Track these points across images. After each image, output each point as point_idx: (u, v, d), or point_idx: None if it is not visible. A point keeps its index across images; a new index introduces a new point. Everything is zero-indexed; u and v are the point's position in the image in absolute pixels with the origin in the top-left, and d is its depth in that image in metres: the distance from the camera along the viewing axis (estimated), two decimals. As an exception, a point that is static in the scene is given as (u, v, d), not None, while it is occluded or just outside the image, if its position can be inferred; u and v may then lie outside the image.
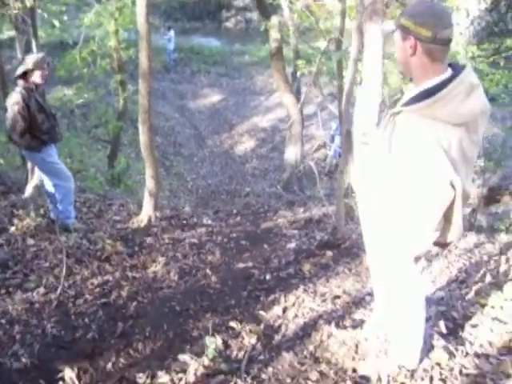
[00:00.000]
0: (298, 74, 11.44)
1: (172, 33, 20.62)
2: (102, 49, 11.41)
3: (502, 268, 4.03)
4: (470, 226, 6.14)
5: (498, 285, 3.69)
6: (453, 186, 2.10)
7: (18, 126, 4.86)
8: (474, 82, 2.06)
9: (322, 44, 8.89)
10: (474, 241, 4.97)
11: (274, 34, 10.49)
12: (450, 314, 3.31)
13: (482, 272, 4.03)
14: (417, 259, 2.44)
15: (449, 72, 2.12)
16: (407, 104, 2.19)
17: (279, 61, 10.78)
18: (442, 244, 2.43)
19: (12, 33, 9.30)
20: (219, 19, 25.80)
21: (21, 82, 4.98)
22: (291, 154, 11.34)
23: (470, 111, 2.03)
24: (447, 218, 2.23)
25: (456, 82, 2.02)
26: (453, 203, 2.15)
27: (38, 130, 4.99)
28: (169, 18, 24.64)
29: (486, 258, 4.44)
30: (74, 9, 15.93)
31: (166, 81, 19.29)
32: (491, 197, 8.57)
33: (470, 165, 2.21)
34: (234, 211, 8.68)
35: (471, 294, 3.60)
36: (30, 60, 4.99)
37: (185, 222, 6.58)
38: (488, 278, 3.85)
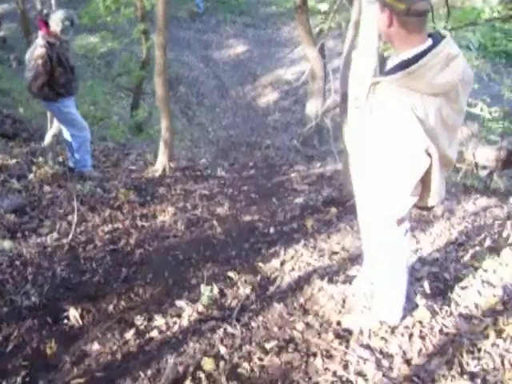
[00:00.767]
0: (317, 28, 11.26)
1: None
2: (127, -3, 11.40)
3: (505, 233, 4.07)
4: (485, 188, 6.15)
5: (496, 249, 3.78)
6: (429, 154, 2.19)
7: (39, 79, 5.02)
8: (451, 53, 2.10)
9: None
10: (484, 204, 4.99)
11: (300, -15, 10.29)
12: (441, 275, 3.42)
13: (482, 236, 4.09)
14: (400, 221, 2.54)
15: (428, 43, 2.17)
16: (386, 74, 2.27)
17: (304, 13, 10.58)
18: (423, 208, 2.54)
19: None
20: (248, -34, 25.21)
21: (43, 35, 5.09)
22: (312, 108, 11.29)
23: (447, 82, 2.09)
24: (425, 183, 2.32)
25: (431, 54, 2.08)
26: (430, 169, 2.25)
27: (55, 82, 5.14)
28: (196, -35, 24.14)
29: (490, 221, 4.48)
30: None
31: (191, 30, 19.10)
32: (510, 160, 8.50)
33: (453, 132, 2.28)
34: (250, 164, 8.79)
35: (467, 257, 3.69)
36: (56, 17, 5.08)
37: (199, 173, 6.72)
38: (487, 242, 3.92)
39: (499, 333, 2.75)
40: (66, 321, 3.00)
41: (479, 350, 2.64)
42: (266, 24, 20.35)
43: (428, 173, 2.27)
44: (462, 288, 3.24)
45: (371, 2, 2.45)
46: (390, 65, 2.32)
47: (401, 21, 2.15)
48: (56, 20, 5.04)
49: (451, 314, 2.96)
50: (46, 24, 5.09)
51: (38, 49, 5.04)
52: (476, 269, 3.48)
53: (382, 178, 2.37)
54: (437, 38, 2.18)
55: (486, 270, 3.46)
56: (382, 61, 2.52)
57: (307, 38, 10.63)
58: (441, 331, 2.79)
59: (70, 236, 4.03)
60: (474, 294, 3.17)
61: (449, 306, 3.04)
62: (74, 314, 3.01)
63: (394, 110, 2.21)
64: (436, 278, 3.38)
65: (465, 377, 2.45)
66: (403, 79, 2.14)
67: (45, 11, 5.69)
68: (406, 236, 2.63)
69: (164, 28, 5.56)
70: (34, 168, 5.39)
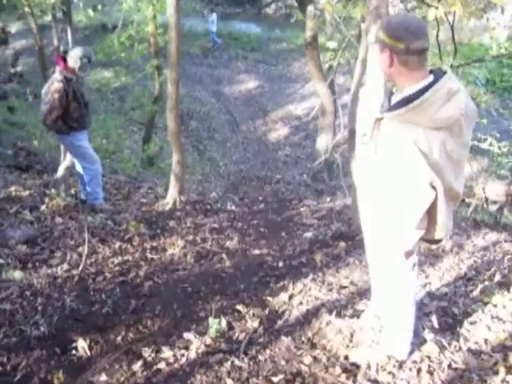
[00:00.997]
0: (327, 65, 11.44)
1: (214, 16, 20.87)
2: (140, 34, 11.68)
3: (515, 268, 4.05)
4: (495, 223, 6.13)
5: (506, 284, 3.75)
6: (433, 187, 2.23)
7: (54, 112, 5.17)
8: (453, 88, 2.16)
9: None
10: (494, 239, 4.98)
11: (310, 24, 10.51)
12: (450, 310, 3.40)
13: (492, 270, 4.08)
14: (407, 254, 2.55)
15: (429, 79, 2.24)
16: (390, 110, 2.33)
17: (314, 50, 10.78)
18: (431, 241, 2.56)
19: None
20: (259, 5, 25.82)
21: (60, 70, 5.24)
22: (322, 143, 11.40)
23: (449, 116, 2.15)
24: (431, 216, 2.35)
25: (432, 89, 2.15)
26: (435, 202, 2.28)
27: (69, 116, 5.29)
28: (210, 2, 24.73)
29: (500, 256, 4.46)
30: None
31: (203, 66, 19.49)
32: (520, 195, 8.47)
33: (459, 166, 2.31)
34: (260, 198, 8.83)
35: (476, 292, 3.66)
36: (75, 54, 5.25)
37: (209, 207, 6.77)
38: (497, 277, 3.89)
39: (509, 369, 2.72)
40: (74, 351, 3.01)
41: (489, 387, 2.62)
42: (276, 60, 20.71)
43: (434, 206, 2.30)
44: (471, 323, 3.22)
45: (374, 43, 2.53)
46: (393, 101, 2.39)
47: (401, 60, 2.23)
48: (74, 57, 5.21)
49: (460, 349, 2.94)
50: (64, 60, 5.25)
51: (55, 83, 5.19)
52: (485, 304, 3.46)
53: (388, 212, 2.41)
54: (438, 74, 2.25)
55: (495, 305, 3.44)
56: (390, 97, 2.58)
57: (317, 74, 10.79)
58: (449, 366, 2.77)
59: (81, 267, 4.06)
60: (483, 329, 3.14)
61: (458, 340, 3.01)
62: (82, 344, 3.03)
63: (397, 144, 2.28)
64: (445, 313, 3.36)
65: (474, 413, 2.43)
66: (406, 114, 2.20)
67: (61, 47, 5.88)
68: (413, 270, 2.64)
69: (177, 64, 5.70)
70: (46, 199, 5.47)
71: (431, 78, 2.25)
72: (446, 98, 2.14)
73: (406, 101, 2.23)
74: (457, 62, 4.64)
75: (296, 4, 12.62)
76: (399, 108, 2.24)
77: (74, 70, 5.27)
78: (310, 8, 10.41)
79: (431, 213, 2.34)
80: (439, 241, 2.54)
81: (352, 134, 2.66)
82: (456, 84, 2.20)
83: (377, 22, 2.71)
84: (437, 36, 4.89)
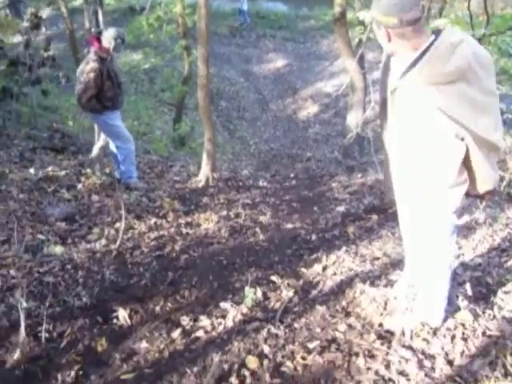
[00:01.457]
0: (356, 40, 11.29)
1: None
2: (168, 14, 11.69)
3: (550, 239, 4.03)
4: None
5: (542, 255, 3.74)
6: (462, 139, 2.24)
7: (89, 91, 5.26)
8: (454, 41, 2.18)
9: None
10: (529, 211, 4.94)
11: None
12: (484, 280, 3.40)
13: (527, 242, 4.06)
14: (458, 213, 2.54)
15: (430, 39, 2.27)
16: (399, 79, 2.37)
17: (343, 26, 10.61)
18: (478, 196, 2.54)
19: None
20: (286, -18, 25.52)
21: (95, 50, 5.33)
22: (352, 119, 11.29)
23: (458, 67, 2.16)
24: (470, 169, 2.35)
25: (433, 46, 2.21)
26: (468, 154, 2.29)
27: (102, 96, 5.38)
28: (237, -18, 24.56)
29: (536, 228, 4.43)
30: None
31: (231, 45, 19.43)
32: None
33: (488, 114, 2.27)
34: (292, 175, 8.86)
35: (510, 263, 3.65)
36: (109, 34, 5.33)
37: (241, 183, 6.83)
38: (533, 248, 3.89)
39: (544, 336, 2.72)
40: (115, 320, 3.12)
41: (524, 353, 2.62)
42: (305, 38, 20.51)
43: (468, 158, 2.31)
44: (506, 292, 3.21)
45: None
46: (400, 70, 2.40)
47: (397, 33, 2.28)
48: (108, 37, 5.28)
49: (494, 317, 2.94)
50: (99, 40, 5.33)
51: (90, 63, 5.28)
52: (520, 274, 3.45)
53: (426, 174, 2.42)
54: (438, 33, 2.28)
55: (530, 275, 3.43)
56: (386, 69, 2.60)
57: (347, 51, 10.64)
58: (483, 333, 2.78)
59: (118, 242, 4.17)
60: (517, 298, 3.13)
61: (491, 309, 3.01)
62: (122, 314, 3.13)
63: (416, 107, 2.33)
64: (478, 283, 3.36)
65: (509, 378, 2.43)
66: (416, 77, 2.26)
67: (93, 30, 5.94)
68: (453, 235, 2.64)
69: (206, 42, 5.74)
70: (82, 179, 5.62)
71: (432, 38, 2.28)
72: (449, 52, 2.17)
73: (412, 65, 2.29)
74: (489, 31, 4.55)
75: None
76: (407, 74, 2.31)
77: (109, 50, 5.34)
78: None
79: (468, 165, 2.34)
80: (489, 194, 2.50)
81: (384, 103, 2.65)
82: (457, 36, 2.22)
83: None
84: (468, 6, 4.80)
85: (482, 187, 2.44)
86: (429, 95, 2.23)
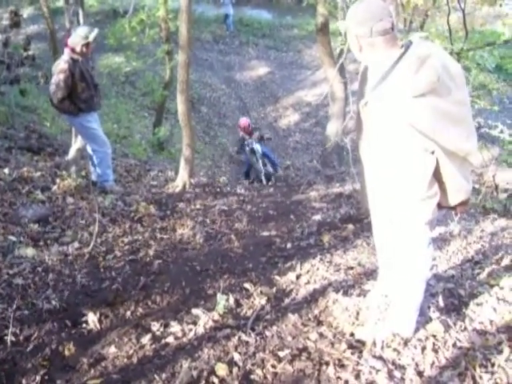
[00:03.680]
0: (338, 50, 11.38)
1: None
2: (151, 18, 11.65)
3: (524, 252, 4.05)
4: (505, 211, 6.12)
5: (513, 268, 3.77)
6: (432, 153, 2.26)
7: (59, 92, 5.20)
8: (422, 54, 2.22)
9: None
10: (502, 225, 4.98)
11: (321, 9, 10.44)
12: (456, 292, 3.41)
13: (499, 255, 4.08)
14: (430, 225, 2.55)
15: (399, 52, 2.31)
16: (371, 92, 2.40)
17: (325, 36, 10.71)
18: (450, 207, 2.55)
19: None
20: (271, -9, 25.63)
21: (68, 51, 5.28)
22: (333, 129, 11.35)
23: (427, 80, 2.18)
24: (440, 180, 2.37)
25: (401, 61, 2.26)
26: (438, 167, 2.32)
27: (77, 97, 5.32)
28: (221, -12, 24.62)
29: (508, 241, 4.46)
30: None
31: (214, 52, 19.43)
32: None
33: (462, 125, 2.30)
34: (270, 183, 8.87)
35: (483, 275, 3.68)
36: (80, 32, 5.28)
37: (218, 190, 6.82)
38: (505, 261, 3.91)
39: (514, 348, 2.74)
40: (84, 325, 3.07)
41: (493, 365, 2.63)
42: (287, 46, 20.61)
43: (438, 170, 2.32)
44: (477, 304, 3.23)
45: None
46: (372, 82, 2.43)
47: (368, 43, 2.32)
48: (76, 37, 5.25)
49: (465, 328, 2.96)
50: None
51: (61, 64, 5.24)
52: (492, 286, 3.46)
53: (395, 187, 2.43)
54: (407, 46, 2.31)
55: (502, 288, 3.44)
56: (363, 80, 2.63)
57: (328, 60, 10.74)
58: (454, 345, 2.79)
59: (91, 246, 4.12)
60: (488, 311, 3.15)
61: (463, 321, 3.03)
62: (92, 318, 3.09)
63: (386, 121, 2.34)
64: (451, 294, 3.37)
65: (477, 390, 2.45)
66: (383, 92, 2.29)
67: (72, 30, 5.89)
68: (429, 248, 2.65)
69: (187, 46, 5.72)
70: (57, 180, 5.53)
71: (402, 50, 2.31)
72: (417, 65, 2.19)
73: (382, 79, 2.32)
74: (467, 46, 4.63)
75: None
76: (377, 87, 2.34)
77: (81, 51, 5.28)
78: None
79: (440, 178, 2.36)
80: (462, 205, 2.52)
81: (359, 114, 2.67)
82: (426, 49, 2.26)
83: (386, 0, 2.72)
84: (447, 21, 4.88)
85: (454, 199, 2.46)
86: (399, 109, 2.25)
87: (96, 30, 5.38)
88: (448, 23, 4.78)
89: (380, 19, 2.26)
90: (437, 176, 2.35)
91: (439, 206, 2.48)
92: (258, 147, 10.73)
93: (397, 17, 2.83)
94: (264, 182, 10.17)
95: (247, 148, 10.80)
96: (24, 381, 2.54)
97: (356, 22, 2.32)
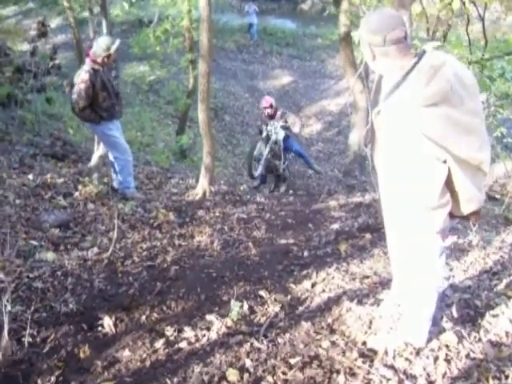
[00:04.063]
0: (359, 59, 11.39)
1: (255, 7, 20.91)
2: (175, 28, 11.83)
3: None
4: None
5: (533, 280, 3.72)
6: (444, 161, 2.26)
7: (80, 102, 5.32)
8: (435, 64, 2.23)
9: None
10: (524, 236, 4.92)
11: (344, 19, 10.48)
12: (472, 302, 3.38)
13: (519, 266, 4.04)
14: (443, 235, 2.53)
15: (413, 61, 2.32)
16: (383, 101, 2.42)
17: (348, 45, 10.74)
18: (463, 216, 2.53)
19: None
20: (295, 1, 25.69)
21: (89, 61, 5.40)
22: (355, 138, 11.34)
23: (440, 90, 2.19)
24: (452, 189, 2.37)
25: (415, 69, 2.27)
26: (450, 176, 2.31)
27: (98, 106, 5.44)
28: (246, -2, 24.81)
29: (529, 253, 4.41)
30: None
31: (237, 61, 19.57)
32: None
33: (474, 135, 2.29)
34: (290, 191, 8.88)
35: (501, 286, 3.63)
36: (101, 43, 5.39)
37: (238, 198, 6.85)
38: (524, 273, 3.87)
39: (528, 361, 2.71)
40: (100, 328, 3.13)
41: (507, 377, 2.60)
42: (311, 56, 20.66)
43: (450, 179, 2.32)
44: (493, 316, 3.19)
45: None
46: (385, 91, 2.44)
47: (381, 52, 2.35)
48: (101, 43, 5.36)
49: (480, 339, 2.93)
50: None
51: (82, 74, 5.36)
52: (509, 298, 3.41)
53: (407, 196, 2.43)
54: (421, 56, 2.33)
55: (519, 300, 3.41)
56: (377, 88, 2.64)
57: (350, 70, 10.75)
58: (467, 356, 2.77)
59: (110, 251, 4.19)
60: (505, 322, 3.11)
61: (478, 332, 3.00)
62: (108, 322, 3.15)
63: (398, 130, 2.35)
64: (467, 305, 3.35)
65: (490, 401, 2.43)
66: (396, 101, 2.31)
67: (94, 40, 6.01)
68: (441, 257, 2.64)
69: (208, 56, 5.79)
70: (79, 187, 5.64)
71: (415, 60, 2.32)
72: (431, 74, 2.21)
73: (395, 87, 2.34)
74: (488, 55, 4.61)
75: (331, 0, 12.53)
76: (390, 96, 2.36)
77: (103, 61, 5.40)
78: (345, 3, 10.39)
79: (452, 187, 2.36)
80: (474, 214, 2.51)
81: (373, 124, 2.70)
82: (439, 59, 2.27)
83: (400, 10, 2.74)
84: (466, 30, 4.87)
85: (467, 208, 2.44)
86: (411, 118, 2.25)
87: (118, 41, 5.49)
88: (467, 33, 4.77)
89: (393, 28, 2.28)
90: (449, 185, 2.35)
91: (451, 215, 2.47)
92: (279, 134, 8.84)
93: (410, 27, 2.85)
94: (265, 187, 8.76)
95: (263, 134, 9.00)
96: (39, 381, 2.60)
97: (369, 31, 2.35)
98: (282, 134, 8.79)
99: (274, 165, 9.11)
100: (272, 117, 9.23)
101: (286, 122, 9.12)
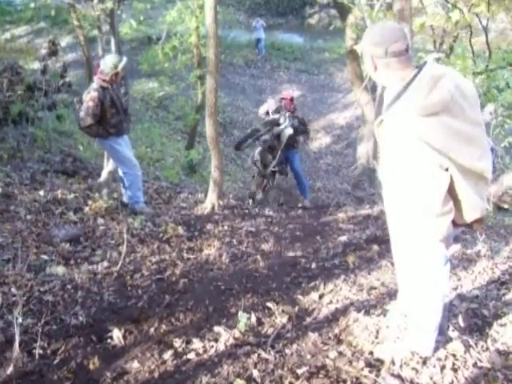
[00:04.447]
0: (364, 74, 11.44)
1: (263, 23, 21.14)
2: (183, 44, 11.97)
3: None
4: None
5: (541, 289, 3.72)
6: (446, 169, 2.29)
7: (87, 119, 5.42)
8: (436, 74, 2.27)
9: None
10: (534, 246, 4.92)
11: (350, 32, 10.57)
12: (480, 312, 3.38)
13: (528, 276, 4.04)
14: (446, 243, 2.54)
15: (413, 73, 2.37)
16: (385, 111, 2.46)
17: (355, 59, 10.83)
18: (466, 224, 2.55)
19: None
20: (302, 15, 25.91)
21: (97, 79, 5.50)
22: (363, 151, 11.37)
23: (441, 100, 2.22)
24: (455, 197, 2.39)
25: (416, 79, 2.32)
26: (453, 184, 2.34)
27: (106, 122, 5.54)
28: (253, 14, 24.98)
29: (538, 263, 4.40)
30: (160, 6, 16.70)
31: (246, 76, 19.72)
32: None
33: (474, 145, 2.33)
34: (299, 204, 8.91)
35: (509, 296, 3.64)
36: (108, 62, 5.50)
37: (247, 211, 6.90)
38: (533, 283, 3.87)
39: (536, 369, 2.71)
40: (109, 340, 3.17)
41: (514, 386, 2.61)
42: (319, 70, 20.77)
43: (452, 187, 2.35)
44: (501, 325, 3.20)
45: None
46: (387, 102, 2.49)
47: (382, 63, 2.40)
48: (109, 61, 5.46)
49: (487, 349, 2.94)
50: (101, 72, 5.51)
51: (91, 92, 5.45)
52: (518, 308, 3.43)
53: (410, 204, 2.45)
54: (421, 67, 2.38)
55: (527, 310, 3.41)
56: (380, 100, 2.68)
57: (358, 83, 10.82)
58: (474, 365, 2.77)
59: (119, 265, 4.24)
60: (512, 332, 3.13)
61: (485, 341, 3.01)
62: (117, 334, 3.18)
63: (400, 139, 2.38)
64: (474, 314, 3.35)
65: (497, 410, 2.43)
66: (397, 111, 2.35)
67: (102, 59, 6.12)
68: (445, 266, 2.66)
69: (215, 71, 5.87)
70: (89, 202, 5.71)
71: (415, 71, 2.37)
72: (431, 85, 2.25)
73: (396, 98, 2.38)
74: (492, 65, 4.65)
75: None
76: (391, 106, 2.40)
77: (111, 79, 5.49)
78: (351, 18, 10.49)
79: (454, 195, 2.38)
80: (477, 222, 2.53)
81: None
82: (439, 70, 2.32)
83: (401, 23, 2.79)
84: (470, 42, 4.92)
85: (470, 216, 2.47)
86: (412, 127, 2.29)
87: (125, 59, 5.60)
88: (470, 44, 4.82)
89: (395, 41, 2.34)
90: (451, 193, 2.37)
91: (454, 223, 2.49)
92: (286, 129, 8.17)
93: (411, 39, 2.91)
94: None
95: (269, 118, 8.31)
96: (50, 393, 2.64)
97: (371, 43, 2.40)
98: (289, 131, 8.18)
99: (267, 155, 8.47)
100: (289, 110, 8.62)
101: (303, 120, 8.81)
